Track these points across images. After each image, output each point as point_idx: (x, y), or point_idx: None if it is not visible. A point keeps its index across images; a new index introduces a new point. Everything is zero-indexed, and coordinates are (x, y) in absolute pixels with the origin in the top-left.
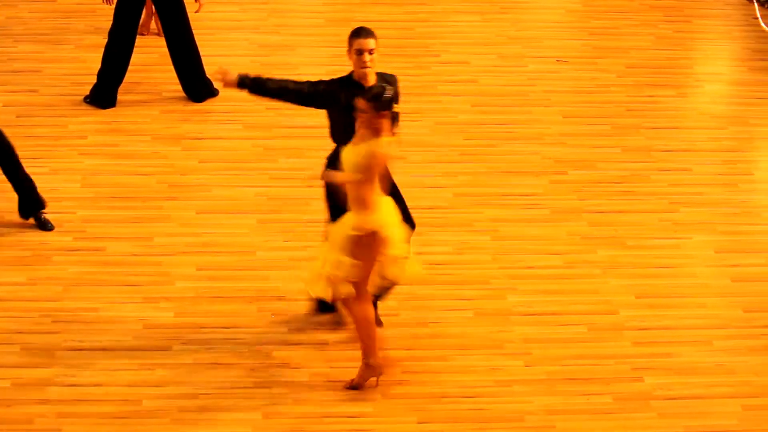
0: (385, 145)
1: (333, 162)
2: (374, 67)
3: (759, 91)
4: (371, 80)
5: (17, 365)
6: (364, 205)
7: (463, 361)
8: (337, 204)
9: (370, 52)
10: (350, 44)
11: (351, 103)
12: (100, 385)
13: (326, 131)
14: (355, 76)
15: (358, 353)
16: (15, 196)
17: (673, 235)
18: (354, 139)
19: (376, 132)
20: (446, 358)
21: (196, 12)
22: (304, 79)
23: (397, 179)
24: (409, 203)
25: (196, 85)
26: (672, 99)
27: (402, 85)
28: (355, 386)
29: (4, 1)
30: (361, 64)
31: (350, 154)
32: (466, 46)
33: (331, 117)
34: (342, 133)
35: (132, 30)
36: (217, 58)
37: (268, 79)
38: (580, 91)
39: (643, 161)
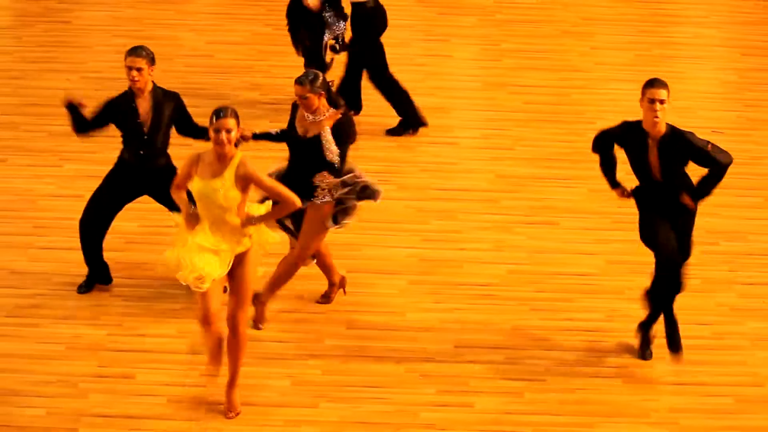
0: None
1: (638, 196)
2: (664, 117)
3: None
4: (661, 130)
5: (162, 417)
6: None
7: (609, 428)
8: None
9: (662, 102)
10: (643, 93)
11: (637, 147)
12: None
13: (483, 194)
14: (644, 125)
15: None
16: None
17: None
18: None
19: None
20: (592, 425)
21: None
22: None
23: (551, 246)
24: (560, 269)
25: None
26: None
27: (556, 151)
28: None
29: (160, 55)
30: (652, 114)
31: None
32: (621, 114)
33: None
34: (637, 171)
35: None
36: (375, 119)
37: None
38: (734, 163)
39: None
